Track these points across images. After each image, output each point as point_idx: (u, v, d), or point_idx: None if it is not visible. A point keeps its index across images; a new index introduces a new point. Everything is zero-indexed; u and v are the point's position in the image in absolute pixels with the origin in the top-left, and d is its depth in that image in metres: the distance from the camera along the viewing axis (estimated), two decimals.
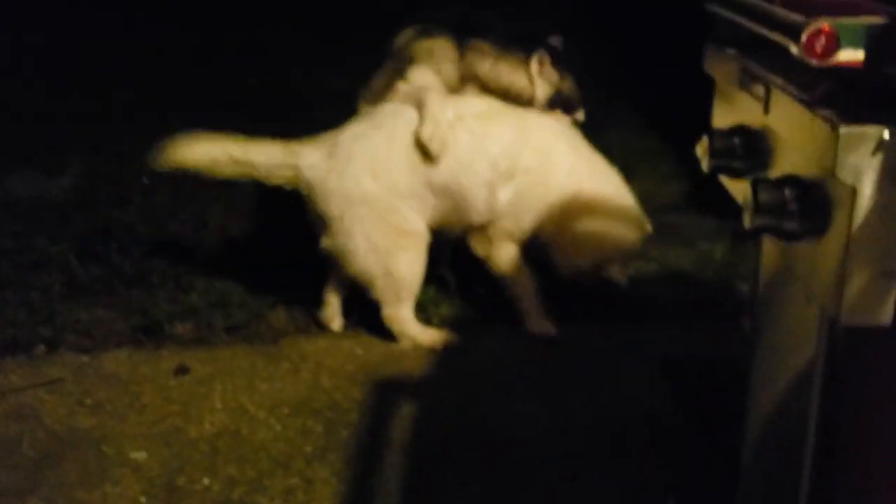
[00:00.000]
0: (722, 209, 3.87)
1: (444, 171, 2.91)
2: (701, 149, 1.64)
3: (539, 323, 3.06)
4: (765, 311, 1.62)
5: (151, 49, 6.27)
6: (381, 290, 2.96)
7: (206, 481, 2.41)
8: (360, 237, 2.90)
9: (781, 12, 1.19)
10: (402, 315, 2.99)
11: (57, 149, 4.65)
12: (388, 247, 2.90)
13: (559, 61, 3.10)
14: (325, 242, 2.95)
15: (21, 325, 3.13)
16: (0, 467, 2.47)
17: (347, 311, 3.13)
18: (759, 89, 1.37)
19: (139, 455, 2.52)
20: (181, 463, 2.48)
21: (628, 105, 4.95)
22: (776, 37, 1.18)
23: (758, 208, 1.26)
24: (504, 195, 2.96)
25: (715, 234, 3.65)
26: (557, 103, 3.12)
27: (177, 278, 3.40)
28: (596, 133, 4.47)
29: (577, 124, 3.19)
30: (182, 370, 2.86)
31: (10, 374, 2.89)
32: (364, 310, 3.06)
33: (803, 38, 1.11)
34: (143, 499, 2.35)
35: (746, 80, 1.44)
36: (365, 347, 3.01)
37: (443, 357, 2.95)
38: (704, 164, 1.57)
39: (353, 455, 2.50)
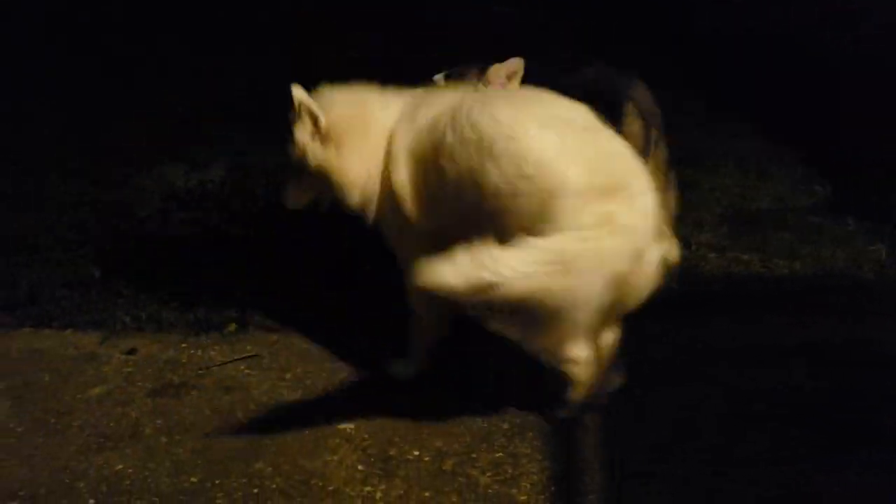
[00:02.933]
0: (864, 212, 3.98)
1: None
2: None
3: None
4: None
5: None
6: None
7: (416, 452, 2.57)
8: None
9: None
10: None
11: (204, 143, 4.90)
12: None
13: None
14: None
15: (210, 305, 3.33)
16: (223, 434, 2.66)
17: None
18: None
19: (347, 426, 2.68)
20: (389, 435, 2.64)
21: (755, 112, 5.02)
22: None
23: None
24: None
25: (872, 234, 3.71)
26: None
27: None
28: (724, 140, 4.61)
29: None
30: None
31: (210, 350, 3.10)
32: None
33: None
34: (360, 467, 2.51)
35: None
36: None
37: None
38: None
39: (549, 433, 2.63)
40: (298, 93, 2.68)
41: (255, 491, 2.42)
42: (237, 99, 5.47)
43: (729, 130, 4.40)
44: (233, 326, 3.20)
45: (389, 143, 2.65)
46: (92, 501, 2.41)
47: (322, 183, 2.73)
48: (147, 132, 4.99)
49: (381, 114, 2.70)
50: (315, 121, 2.67)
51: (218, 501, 2.39)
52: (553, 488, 2.40)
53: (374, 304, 3.24)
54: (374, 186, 2.68)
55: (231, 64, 6.09)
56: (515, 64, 3.10)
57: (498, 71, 3.10)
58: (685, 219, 3.51)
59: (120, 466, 2.54)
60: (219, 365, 3.00)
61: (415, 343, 2.85)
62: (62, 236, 3.85)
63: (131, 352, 3.07)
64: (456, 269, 2.18)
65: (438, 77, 3.17)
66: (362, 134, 2.68)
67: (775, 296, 3.37)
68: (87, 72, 5.95)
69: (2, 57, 5.87)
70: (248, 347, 3.09)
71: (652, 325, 2.92)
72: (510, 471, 2.48)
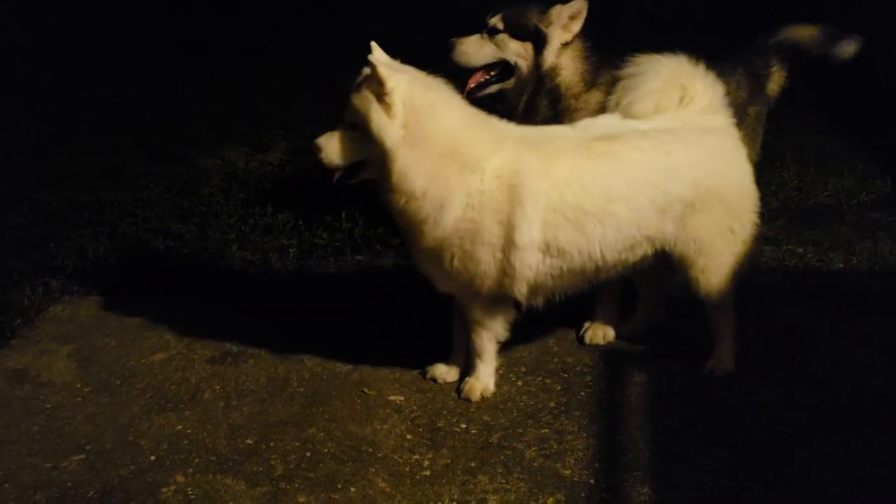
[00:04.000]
0: None
1: None
2: None
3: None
4: None
5: None
6: None
7: (463, 425, 2.63)
8: None
9: None
10: None
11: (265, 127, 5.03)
12: None
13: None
14: None
15: (265, 280, 3.43)
16: (278, 400, 2.76)
17: None
18: None
19: (398, 398, 2.76)
20: (438, 407, 2.71)
21: (817, 106, 4.94)
22: None
23: None
24: None
25: None
26: None
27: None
28: (786, 134, 4.55)
29: None
30: None
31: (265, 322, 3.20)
32: None
33: None
34: (409, 436, 2.58)
35: None
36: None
37: (667, 337, 3.05)
38: None
39: (595, 413, 2.67)
40: None
41: (308, 454, 2.51)
42: (299, 84, 5.59)
43: (788, 123, 4.35)
44: None
45: None
46: (153, 458, 2.52)
47: None
48: (211, 115, 5.14)
49: None
50: None
51: (272, 463, 2.48)
52: (597, 464, 2.44)
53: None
54: None
55: (293, 51, 6.23)
56: (578, 5, 2.98)
57: (560, 12, 2.99)
58: None
59: (179, 427, 2.65)
60: (274, 335, 3.10)
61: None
62: (129, 210, 4.00)
63: (192, 321, 3.20)
64: None
65: (495, 19, 3.03)
66: None
67: (830, 289, 3.34)
68: (157, 53, 6.15)
69: (78, 40, 6.09)
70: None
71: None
72: (555, 446, 2.52)
